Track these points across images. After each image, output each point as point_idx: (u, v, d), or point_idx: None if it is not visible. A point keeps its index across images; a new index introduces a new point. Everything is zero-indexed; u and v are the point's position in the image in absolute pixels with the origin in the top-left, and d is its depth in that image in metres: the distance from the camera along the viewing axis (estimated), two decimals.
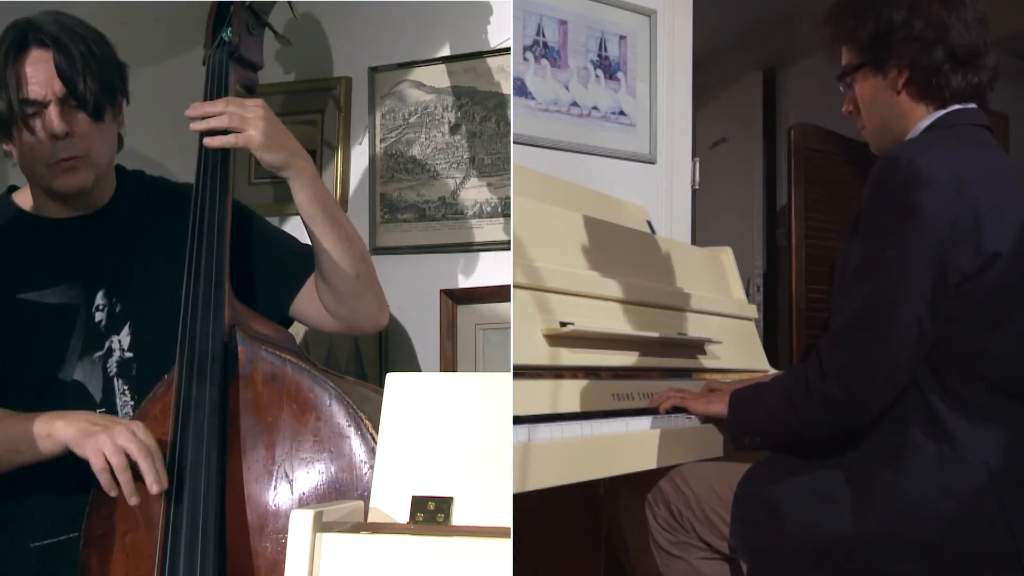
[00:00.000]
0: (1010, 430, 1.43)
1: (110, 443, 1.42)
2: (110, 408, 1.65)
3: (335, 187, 2.26)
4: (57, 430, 1.47)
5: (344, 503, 1.30)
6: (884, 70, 1.56)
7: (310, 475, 1.45)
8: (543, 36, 2.49)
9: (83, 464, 1.45)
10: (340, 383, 1.51)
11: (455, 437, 1.28)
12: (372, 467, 1.39)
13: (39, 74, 1.61)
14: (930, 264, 1.39)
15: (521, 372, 1.54)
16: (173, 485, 1.45)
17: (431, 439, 1.28)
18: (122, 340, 1.69)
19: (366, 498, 1.34)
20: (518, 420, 1.38)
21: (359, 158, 2.28)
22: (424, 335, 2.18)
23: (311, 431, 1.45)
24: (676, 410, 1.73)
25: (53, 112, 1.61)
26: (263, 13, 1.79)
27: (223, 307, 1.53)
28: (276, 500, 1.45)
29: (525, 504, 1.35)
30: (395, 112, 2.23)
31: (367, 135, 2.26)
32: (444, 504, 1.25)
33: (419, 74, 2.21)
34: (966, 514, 1.39)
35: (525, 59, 2.44)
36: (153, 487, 1.42)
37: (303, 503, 1.43)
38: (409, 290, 2.14)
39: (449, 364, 2.13)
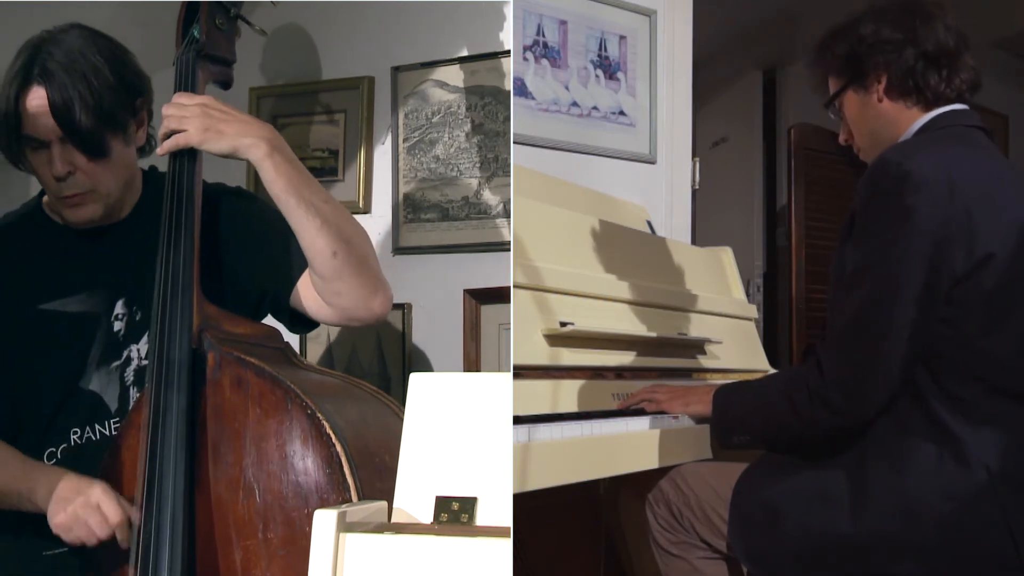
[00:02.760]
0: (1010, 432, 1.43)
1: (72, 520, 1.47)
2: (124, 418, 1.61)
3: (358, 187, 2.25)
4: (39, 500, 1.51)
5: (368, 503, 1.28)
6: (865, 84, 1.62)
7: (273, 481, 1.41)
8: (543, 36, 2.48)
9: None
10: (306, 381, 1.47)
11: (479, 437, 1.26)
12: (330, 470, 1.38)
13: (40, 112, 1.57)
14: (922, 266, 1.39)
15: (521, 372, 1.54)
16: (143, 496, 1.44)
17: (455, 439, 1.27)
18: (140, 349, 1.67)
19: (327, 502, 1.34)
20: (518, 420, 1.38)
21: (382, 158, 2.28)
22: (448, 335, 2.17)
23: (274, 435, 1.42)
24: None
25: (55, 152, 1.59)
26: (233, 7, 1.75)
27: (190, 314, 1.51)
28: (244, 508, 1.42)
29: (524, 504, 1.35)
30: (418, 112, 2.22)
31: (390, 135, 2.25)
32: (468, 504, 1.23)
33: (442, 73, 2.20)
34: (966, 516, 1.39)
35: (525, 59, 2.43)
36: (123, 544, 1.46)
37: (268, 510, 1.41)
38: (432, 290, 2.14)
39: (473, 364, 2.12)
